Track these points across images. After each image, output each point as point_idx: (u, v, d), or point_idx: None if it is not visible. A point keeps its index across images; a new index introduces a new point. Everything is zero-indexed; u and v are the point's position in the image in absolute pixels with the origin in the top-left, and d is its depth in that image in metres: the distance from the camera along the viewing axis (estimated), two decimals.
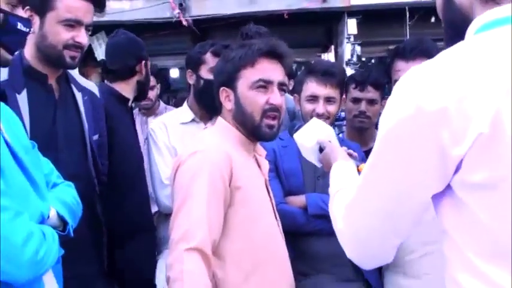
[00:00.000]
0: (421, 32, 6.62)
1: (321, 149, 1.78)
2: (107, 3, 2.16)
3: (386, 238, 1.08)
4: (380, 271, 2.23)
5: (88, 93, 2.12)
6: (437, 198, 0.99)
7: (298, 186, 2.29)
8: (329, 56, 7.86)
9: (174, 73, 10.56)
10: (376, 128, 2.68)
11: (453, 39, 1.05)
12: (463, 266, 0.95)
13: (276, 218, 1.83)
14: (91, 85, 2.21)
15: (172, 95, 12.11)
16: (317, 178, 2.34)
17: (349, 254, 1.15)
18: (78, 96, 2.06)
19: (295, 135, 1.88)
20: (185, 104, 2.68)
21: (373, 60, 9.18)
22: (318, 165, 1.85)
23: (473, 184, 0.91)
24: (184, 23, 6.79)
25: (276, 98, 1.73)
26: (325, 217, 2.24)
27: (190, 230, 1.53)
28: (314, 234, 2.22)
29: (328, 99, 2.27)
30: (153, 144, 2.57)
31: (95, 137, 2.09)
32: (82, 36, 1.91)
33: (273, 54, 1.76)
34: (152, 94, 3.74)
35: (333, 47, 7.22)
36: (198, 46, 2.62)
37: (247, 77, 1.73)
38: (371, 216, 1.07)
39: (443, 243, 1.02)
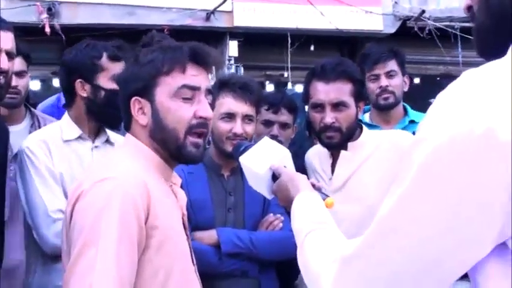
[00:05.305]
0: (301, 59, 6.66)
1: (274, 177, 1.45)
2: None
3: None
4: None
5: None
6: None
7: (207, 220, 1.98)
8: (209, 77, 7.60)
9: (35, 85, 9.56)
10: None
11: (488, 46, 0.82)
12: None
13: (193, 262, 1.48)
14: None
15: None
16: (228, 210, 2.05)
17: None
18: None
19: (242, 158, 1.52)
20: (66, 116, 2.18)
21: None
22: (269, 197, 1.52)
23: None
24: (47, 30, 6.08)
25: (205, 109, 1.40)
26: (238, 256, 1.98)
27: (94, 287, 1.14)
28: (226, 275, 1.93)
29: (246, 118, 1.99)
30: (33, 168, 2.03)
31: None
32: None
33: (201, 60, 1.44)
34: (21, 83, 2.57)
35: (214, 68, 6.99)
36: (89, 49, 2.11)
37: (169, 83, 1.39)
38: (387, 281, 0.77)
39: None
